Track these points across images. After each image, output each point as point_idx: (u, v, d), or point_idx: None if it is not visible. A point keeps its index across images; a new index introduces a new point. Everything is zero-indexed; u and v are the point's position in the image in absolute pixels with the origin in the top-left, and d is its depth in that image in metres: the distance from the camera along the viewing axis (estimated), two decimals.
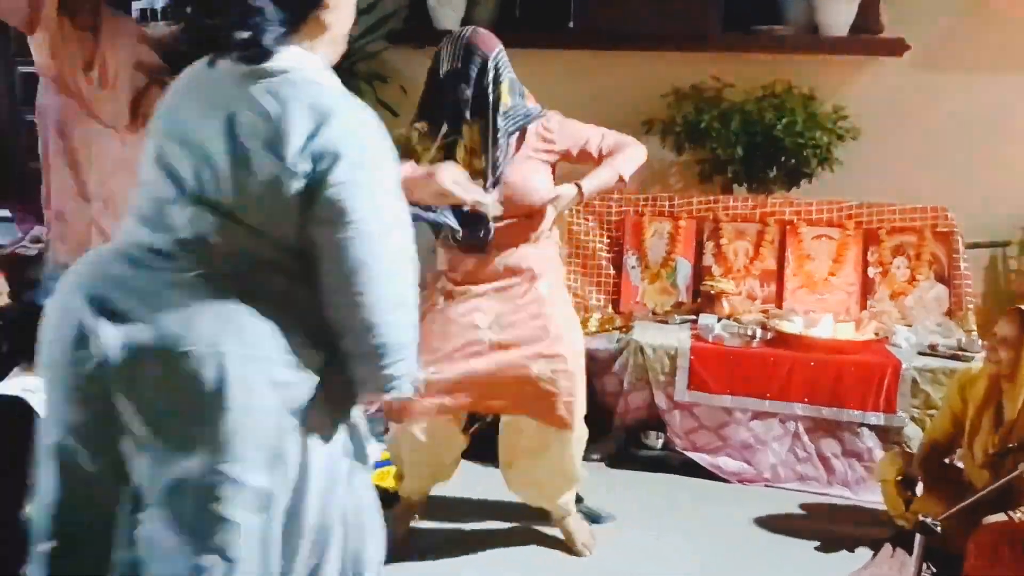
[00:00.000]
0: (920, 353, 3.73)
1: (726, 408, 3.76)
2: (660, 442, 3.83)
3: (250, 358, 1.56)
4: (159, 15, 5.51)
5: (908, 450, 3.50)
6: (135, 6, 5.52)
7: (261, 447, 1.57)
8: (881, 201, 4.21)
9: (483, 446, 3.92)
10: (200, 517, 1.56)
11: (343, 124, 1.57)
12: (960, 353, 3.69)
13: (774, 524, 3.42)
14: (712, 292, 4.11)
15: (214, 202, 1.61)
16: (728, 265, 4.24)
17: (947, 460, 3.32)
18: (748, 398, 3.72)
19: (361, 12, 5.03)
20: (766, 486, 3.72)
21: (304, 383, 1.60)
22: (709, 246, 4.28)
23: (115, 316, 1.57)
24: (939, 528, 2.55)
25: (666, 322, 4.06)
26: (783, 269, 4.23)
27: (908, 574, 2.97)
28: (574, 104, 4.69)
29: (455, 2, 4.65)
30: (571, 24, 4.69)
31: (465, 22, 4.71)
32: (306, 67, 1.65)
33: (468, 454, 3.97)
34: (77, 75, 4.15)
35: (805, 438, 3.70)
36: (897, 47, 4.43)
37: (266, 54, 1.61)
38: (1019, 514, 2.62)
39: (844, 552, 3.23)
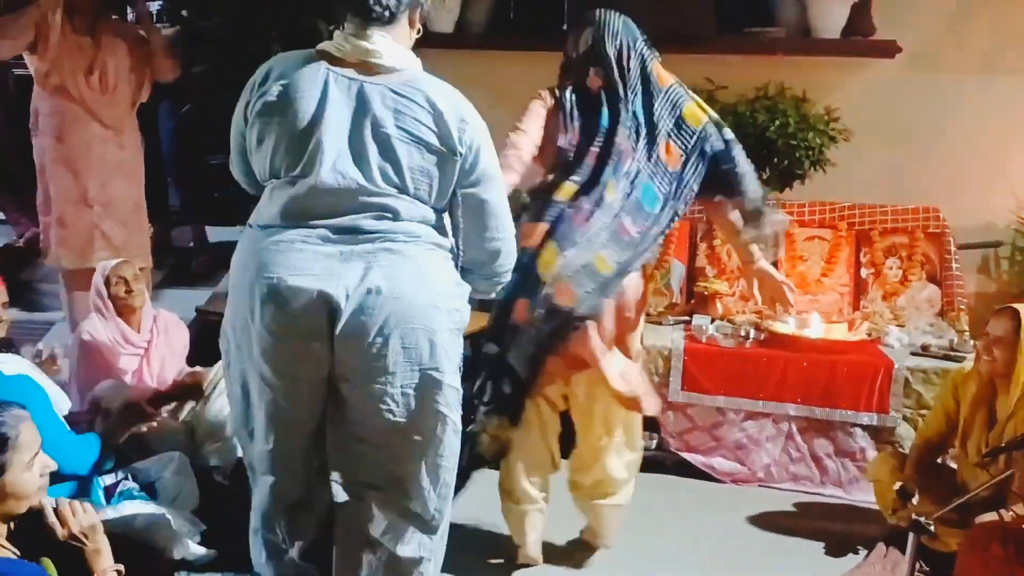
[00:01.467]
0: (912, 353, 3.75)
1: (720, 408, 3.77)
2: (654, 443, 3.84)
3: (436, 298, 2.13)
4: (155, 18, 5.52)
5: (901, 450, 3.52)
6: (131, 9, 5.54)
7: (452, 359, 2.21)
8: (873, 202, 4.23)
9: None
10: (420, 412, 2.15)
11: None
12: (952, 353, 3.71)
13: (768, 524, 3.44)
14: (705, 293, 4.12)
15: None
16: (721, 266, 4.25)
17: (939, 460, 3.34)
18: (741, 399, 3.74)
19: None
20: (760, 486, 3.74)
21: (465, 308, 2.26)
22: (702, 247, 4.29)
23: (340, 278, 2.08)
24: (932, 527, 2.56)
25: (660, 323, 4.07)
26: (776, 270, 4.23)
27: (901, 573, 2.99)
28: None
29: (450, 4, 4.66)
30: (565, 26, 4.69)
31: (460, 24, 4.72)
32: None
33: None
34: (79, 81, 4.15)
35: (798, 438, 3.73)
36: (889, 49, 4.45)
37: None
38: (1010, 513, 2.63)
39: (837, 550, 3.25)
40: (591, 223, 2.70)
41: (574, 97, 2.85)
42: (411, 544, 2.28)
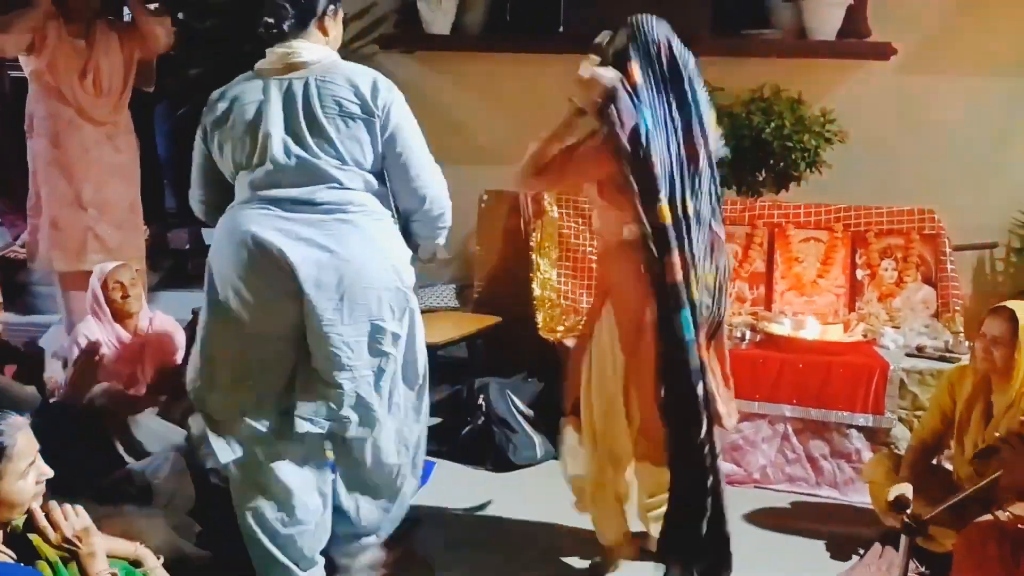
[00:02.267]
0: (908, 355, 3.76)
1: None
2: None
3: (382, 261, 2.56)
4: None
5: (896, 451, 3.53)
6: (127, 10, 5.54)
7: (395, 309, 2.60)
8: (869, 204, 4.24)
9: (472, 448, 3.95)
10: (369, 352, 2.58)
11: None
12: (948, 355, 3.72)
13: (764, 524, 3.45)
14: None
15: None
16: None
17: (935, 461, 3.34)
18: (737, 399, 3.73)
19: (352, 17, 5.09)
20: (756, 487, 3.74)
21: (407, 268, 2.65)
22: None
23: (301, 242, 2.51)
24: (922, 527, 2.57)
25: None
26: (772, 271, 4.25)
27: (896, 574, 3.00)
28: (565, 108, 4.74)
29: (446, 7, 4.67)
30: (561, 29, 4.70)
31: (456, 27, 4.73)
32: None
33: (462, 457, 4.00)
34: (74, 84, 4.15)
35: (794, 439, 3.73)
36: (884, 51, 4.47)
37: None
38: (1006, 513, 2.63)
39: (833, 551, 3.25)
40: (696, 237, 2.68)
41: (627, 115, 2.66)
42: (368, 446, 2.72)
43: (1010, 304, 2.96)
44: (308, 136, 2.55)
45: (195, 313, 4.54)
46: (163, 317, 3.75)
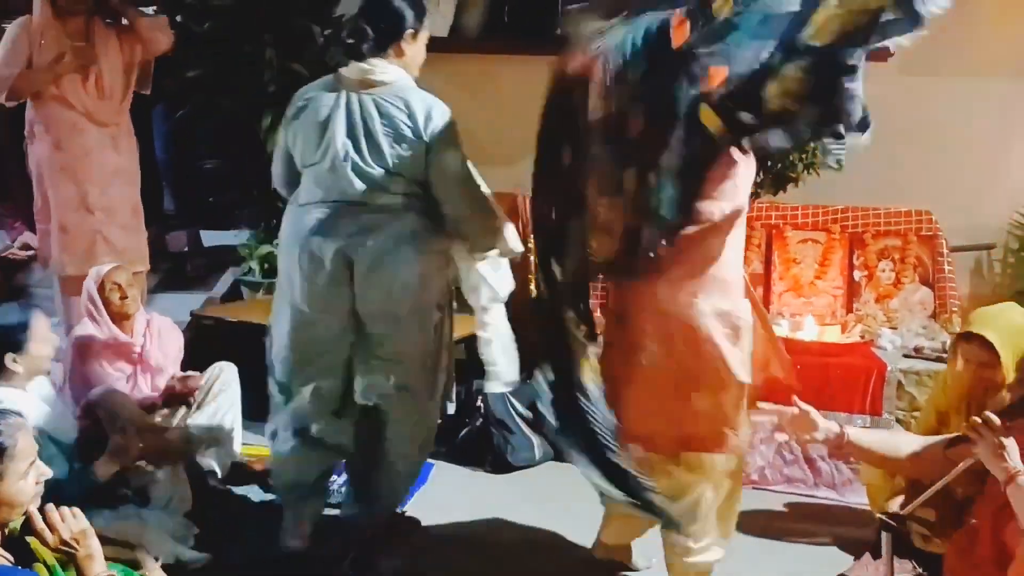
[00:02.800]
0: (905, 356, 3.76)
1: None
2: None
3: (422, 253, 2.90)
4: None
5: None
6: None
7: (432, 289, 2.98)
8: (866, 205, 4.25)
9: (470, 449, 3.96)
10: (415, 327, 2.96)
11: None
12: (944, 355, 3.70)
13: (762, 526, 3.44)
14: None
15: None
16: None
17: None
18: None
19: (352, 18, 5.05)
20: (754, 488, 3.73)
21: (440, 255, 3.00)
22: None
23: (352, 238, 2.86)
24: (900, 525, 2.56)
25: None
26: (770, 273, 4.26)
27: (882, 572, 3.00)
28: None
29: (444, 8, 4.67)
30: (559, 30, 4.70)
31: (454, 29, 4.73)
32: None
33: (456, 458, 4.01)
34: (76, 88, 4.15)
35: (792, 441, 3.73)
36: (880, 53, 4.45)
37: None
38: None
39: (832, 553, 3.26)
40: None
41: None
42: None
43: (975, 329, 2.86)
44: (365, 147, 2.86)
45: (193, 315, 4.57)
46: (161, 319, 3.75)
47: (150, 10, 5.33)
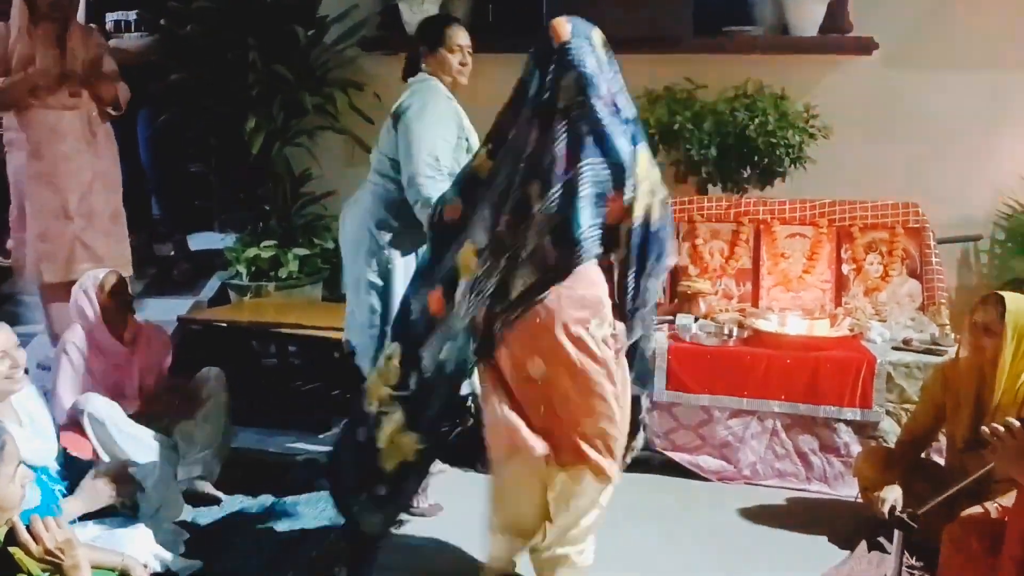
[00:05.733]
0: (894, 348, 3.77)
1: (704, 407, 3.78)
2: (641, 442, 3.84)
3: (369, 220, 3.40)
4: (132, 27, 5.50)
5: (885, 444, 3.54)
6: (109, 17, 5.51)
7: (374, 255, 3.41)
8: (853, 199, 4.25)
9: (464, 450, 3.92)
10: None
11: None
12: (933, 347, 3.73)
13: (754, 520, 3.45)
14: (688, 292, 4.13)
15: None
16: (704, 265, 4.27)
17: (923, 455, 3.35)
18: (726, 397, 3.75)
19: (334, 20, 5.08)
20: (746, 483, 3.74)
21: (390, 225, 3.38)
22: (685, 247, 4.30)
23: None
24: (916, 523, 2.57)
25: None
26: (758, 268, 4.26)
27: (886, 567, 3.01)
28: None
29: (428, 8, 4.66)
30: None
31: None
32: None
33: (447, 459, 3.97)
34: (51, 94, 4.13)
35: (783, 435, 3.74)
36: (866, 46, 4.48)
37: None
38: (995, 505, 2.64)
39: (824, 546, 3.26)
40: None
41: None
42: None
43: (1000, 292, 2.96)
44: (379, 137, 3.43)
45: (180, 320, 4.54)
46: (150, 324, 3.73)
47: (132, 15, 5.31)
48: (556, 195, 2.44)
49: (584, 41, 2.53)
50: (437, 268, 2.64)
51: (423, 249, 2.94)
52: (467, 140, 3.33)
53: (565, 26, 2.55)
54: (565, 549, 2.77)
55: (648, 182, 2.53)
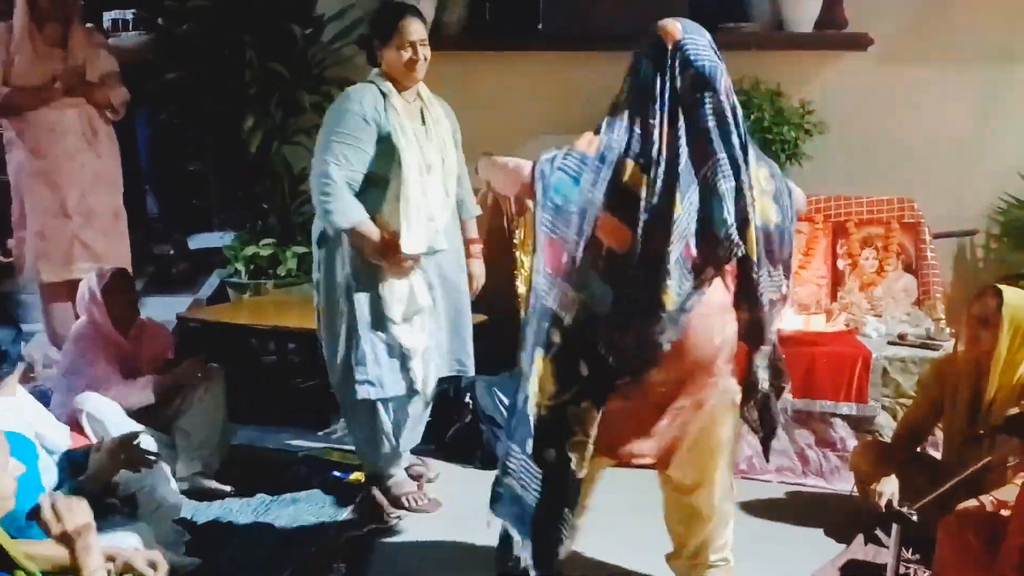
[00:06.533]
0: (890, 343, 3.78)
1: None
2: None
3: None
4: (129, 25, 5.51)
5: (881, 438, 3.56)
6: (106, 16, 5.52)
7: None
8: (849, 194, 4.27)
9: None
10: None
11: None
12: (929, 342, 3.74)
13: (751, 514, 3.46)
14: None
15: None
16: None
17: (919, 449, 3.37)
18: None
19: (331, 18, 5.08)
20: (742, 478, 3.75)
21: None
22: None
23: None
24: (914, 517, 2.59)
25: None
26: None
27: (882, 561, 3.02)
28: (545, 105, 4.75)
29: (424, 6, 4.66)
30: (540, 26, 4.71)
31: (435, 27, 4.72)
32: None
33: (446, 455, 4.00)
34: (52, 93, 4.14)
35: (779, 429, 3.74)
36: (861, 42, 4.49)
37: None
38: (991, 499, 2.66)
39: (821, 540, 3.28)
40: None
41: None
42: None
43: (997, 285, 2.98)
44: None
45: (179, 318, 4.56)
46: (152, 322, 3.75)
47: (129, 13, 5.32)
48: (694, 194, 2.36)
49: (699, 37, 2.52)
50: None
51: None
52: (382, 145, 3.20)
53: (675, 25, 2.53)
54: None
55: (759, 180, 2.47)
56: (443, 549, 3.24)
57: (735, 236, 2.38)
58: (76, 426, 3.18)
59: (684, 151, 2.36)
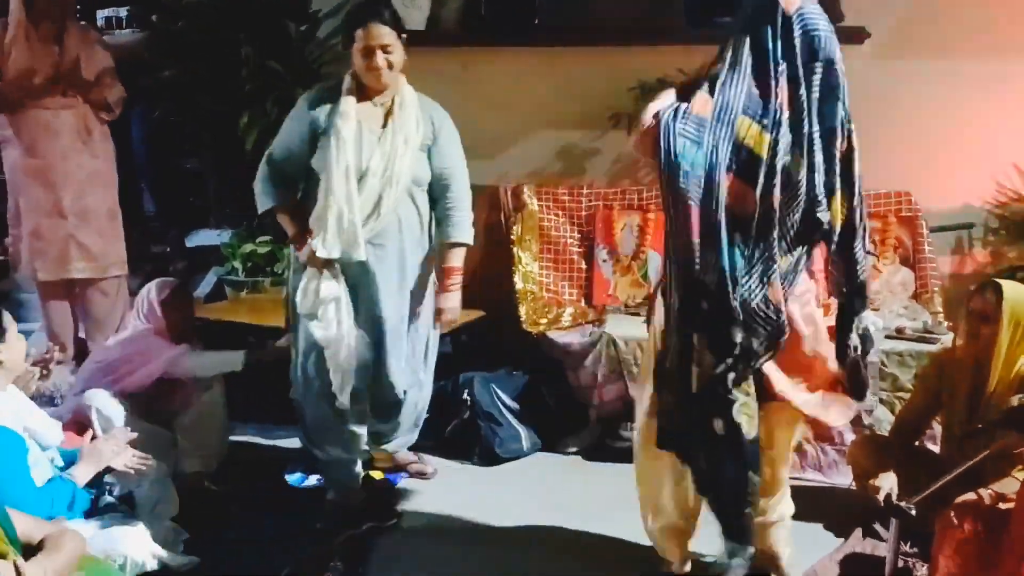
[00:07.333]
0: (887, 336, 3.78)
1: None
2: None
3: None
4: (123, 23, 5.50)
5: (878, 432, 3.56)
6: (100, 14, 5.51)
7: None
8: None
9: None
10: None
11: None
12: (926, 335, 3.75)
13: None
14: None
15: None
16: None
17: (917, 442, 3.37)
18: None
19: (326, 15, 5.07)
20: None
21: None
22: None
23: None
24: (913, 510, 2.59)
25: (638, 314, 4.09)
26: None
27: (880, 554, 3.03)
28: (542, 100, 4.75)
29: (420, 2, 4.66)
30: (537, 21, 4.70)
31: (431, 22, 4.72)
32: None
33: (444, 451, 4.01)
34: (48, 92, 4.13)
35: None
36: (857, 35, 4.49)
37: None
38: (989, 491, 2.66)
39: (819, 533, 3.28)
40: None
41: None
42: None
43: (996, 279, 2.98)
44: None
45: None
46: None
47: (123, 11, 5.31)
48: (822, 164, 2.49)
49: (815, 7, 2.58)
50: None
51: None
52: (320, 142, 3.14)
53: None
54: None
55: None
56: (441, 546, 3.24)
57: (824, 202, 2.49)
58: (75, 426, 3.19)
59: (806, 115, 2.47)
